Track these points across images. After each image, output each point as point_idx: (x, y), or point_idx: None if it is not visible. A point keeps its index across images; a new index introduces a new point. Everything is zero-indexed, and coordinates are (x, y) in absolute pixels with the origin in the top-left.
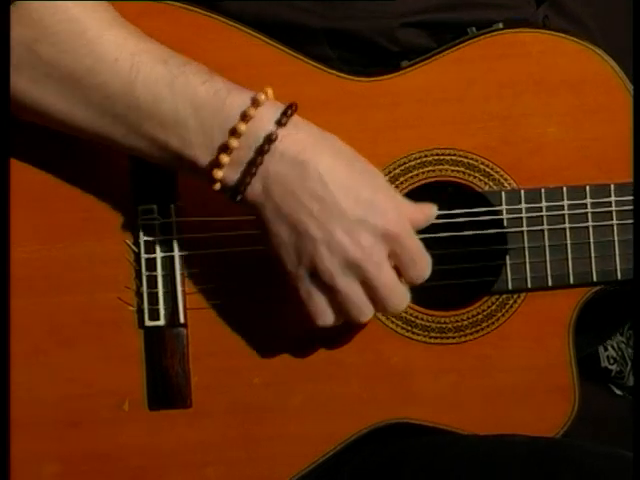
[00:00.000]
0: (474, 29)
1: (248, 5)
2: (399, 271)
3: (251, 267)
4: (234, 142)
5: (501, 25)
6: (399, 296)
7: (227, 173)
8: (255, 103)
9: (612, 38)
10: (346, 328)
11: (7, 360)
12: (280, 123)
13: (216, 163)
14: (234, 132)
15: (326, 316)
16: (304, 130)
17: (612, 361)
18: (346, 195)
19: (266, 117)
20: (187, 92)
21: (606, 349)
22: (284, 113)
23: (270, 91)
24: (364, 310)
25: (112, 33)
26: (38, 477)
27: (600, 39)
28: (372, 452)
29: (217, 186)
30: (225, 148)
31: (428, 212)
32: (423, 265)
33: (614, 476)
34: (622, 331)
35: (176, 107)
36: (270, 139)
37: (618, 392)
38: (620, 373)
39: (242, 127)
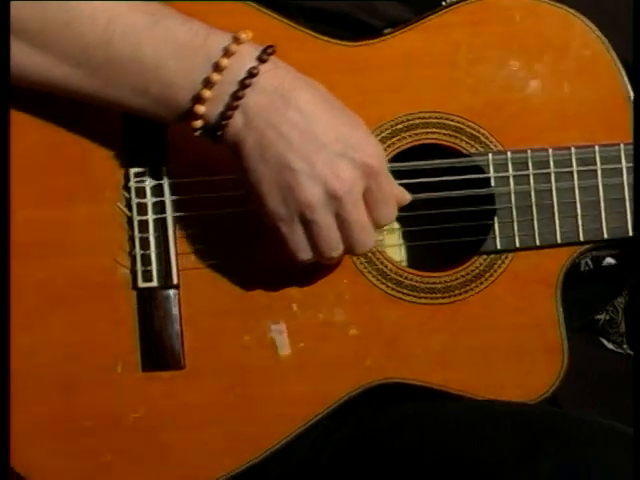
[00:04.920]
0: None
1: None
2: (369, 211)
3: (242, 227)
4: (216, 76)
5: None
6: (368, 235)
7: (209, 108)
8: (237, 40)
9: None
10: (337, 288)
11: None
12: (261, 59)
13: (198, 98)
14: (216, 67)
15: (305, 251)
16: (284, 67)
17: (599, 311)
18: (326, 129)
19: (248, 53)
20: (167, 35)
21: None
22: (264, 51)
23: (250, 33)
24: (335, 245)
25: None
26: (33, 439)
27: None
28: (358, 422)
29: (198, 123)
30: (207, 83)
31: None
32: (392, 207)
33: (598, 447)
34: None
35: (156, 51)
36: (252, 73)
37: (610, 346)
38: (611, 321)
39: (224, 62)
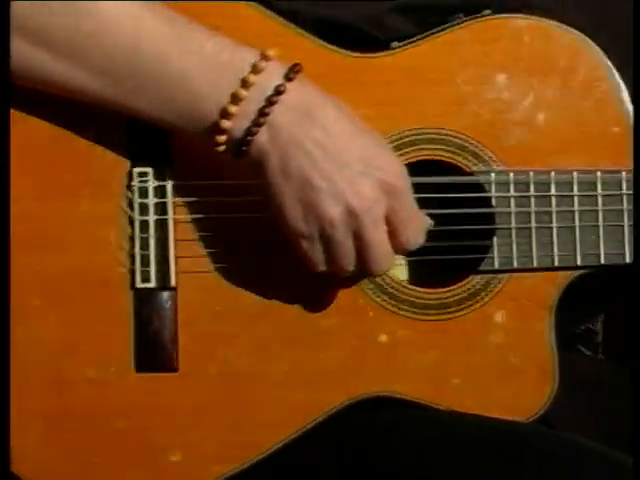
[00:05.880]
0: (462, 15)
1: None
2: (393, 234)
3: (243, 233)
4: (243, 92)
5: (489, 11)
6: (385, 257)
7: (235, 123)
8: (264, 57)
9: (592, 17)
10: (334, 298)
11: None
12: (288, 78)
13: (224, 113)
14: (244, 83)
15: (322, 265)
16: (310, 86)
17: (581, 326)
18: (349, 147)
19: (275, 70)
20: (194, 48)
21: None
22: (291, 69)
23: (277, 50)
24: (351, 262)
25: None
26: (25, 433)
27: (580, 18)
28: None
29: (223, 138)
30: (234, 98)
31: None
32: (418, 227)
33: (573, 467)
34: None
35: (183, 63)
36: (279, 91)
37: (587, 353)
38: (588, 332)
39: (252, 78)
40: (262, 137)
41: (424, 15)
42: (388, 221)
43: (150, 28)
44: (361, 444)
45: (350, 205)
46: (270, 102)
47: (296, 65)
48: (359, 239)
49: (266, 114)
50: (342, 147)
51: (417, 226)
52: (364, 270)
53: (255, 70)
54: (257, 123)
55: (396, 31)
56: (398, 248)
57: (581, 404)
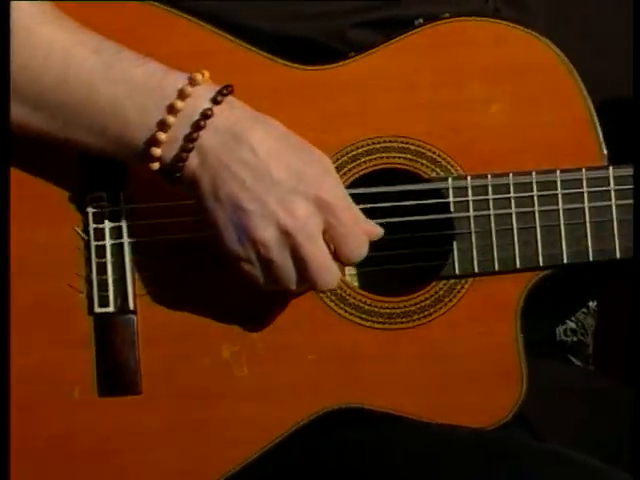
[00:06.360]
0: (421, 20)
1: (202, 5)
2: (334, 248)
3: (198, 253)
4: (171, 119)
5: (448, 14)
6: (329, 273)
7: (165, 150)
8: (192, 82)
9: (563, 28)
10: (294, 312)
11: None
12: (216, 101)
13: (153, 141)
14: (171, 109)
15: (267, 284)
16: (239, 108)
17: (569, 333)
18: (278, 166)
19: (202, 95)
20: (123, 77)
21: (564, 323)
22: (219, 92)
23: (207, 73)
24: (293, 280)
25: (44, 30)
26: None
27: (551, 29)
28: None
29: (155, 165)
30: (162, 125)
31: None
32: (358, 241)
33: (548, 474)
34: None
35: (112, 92)
36: (206, 115)
37: (577, 363)
38: (579, 343)
39: (179, 104)
40: (192, 162)
41: (387, 27)
42: (326, 236)
43: (77, 59)
44: (334, 463)
45: (282, 225)
46: (197, 127)
47: (226, 87)
48: (297, 257)
49: (194, 139)
50: (270, 166)
51: (357, 240)
52: (310, 286)
53: (182, 96)
54: (185, 149)
55: (359, 43)
56: (342, 261)
57: (572, 416)
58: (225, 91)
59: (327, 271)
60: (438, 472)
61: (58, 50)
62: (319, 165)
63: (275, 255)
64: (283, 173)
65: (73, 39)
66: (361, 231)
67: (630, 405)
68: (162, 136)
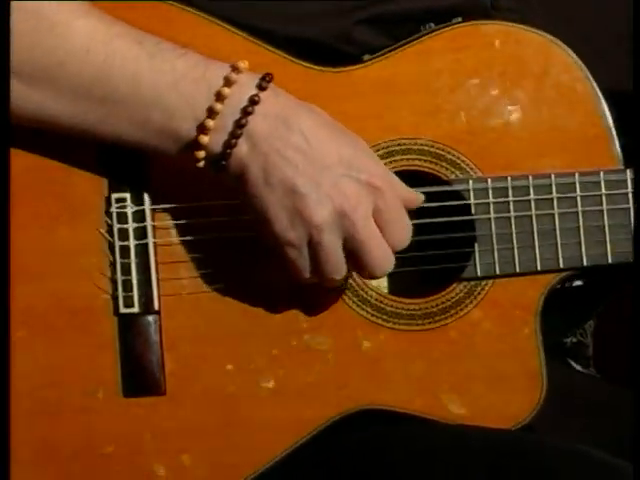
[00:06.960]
0: (432, 24)
1: (207, 5)
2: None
3: (224, 253)
4: (218, 106)
5: (460, 19)
6: (385, 254)
7: (213, 137)
8: (236, 70)
9: (556, 17)
10: (318, 314)
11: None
12: (261, 87)
13: (202, 128)
14: (219, 96)
15: (308, 272)
16: (283, 94)
17: (569, 334)
18: (329, 151)
19: (247, 82)
20: (165, 67)
21: (574, 333)
22: (263, 79)
23: (247, 62)
24: (338, 268)
25: (81, 24)
26: (16, 465)
27: (544, 18)
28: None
29: (201, 154)
30: (210, 112)
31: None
32: (404, 228)
33: (561, 472)
34: None
35: (156, 83)
36: (254, 101)
37: (577, 367)
38: (579, 344)
39: (226, 91)
40: (241, 149)
41: (394, 26)
42: (375, 221)
43: (120, 50)
44: (353, 462)
45: (337, 206)
46: (246, 112)
47: (267, 75)
48: (352, 240)
49: (243, 125)
50: (322, 151)
51: (403, 226)
52: (363, 273)
53: (228, 83)
54: (235, 135)
55: (366, 44)
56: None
57: (574, 419)
58: (268, 77)
59: (383, 252)
60: (447, 471)
61: (98, 44)
62: (367, 151)
63: (327, 238)
64: (334, 158)
65: (113, 31)
66: (406, 219)
67: (630, 409)
68: (210, 123)
